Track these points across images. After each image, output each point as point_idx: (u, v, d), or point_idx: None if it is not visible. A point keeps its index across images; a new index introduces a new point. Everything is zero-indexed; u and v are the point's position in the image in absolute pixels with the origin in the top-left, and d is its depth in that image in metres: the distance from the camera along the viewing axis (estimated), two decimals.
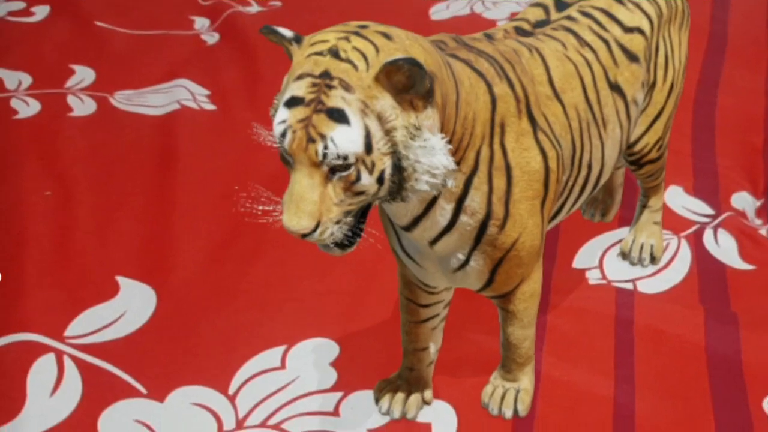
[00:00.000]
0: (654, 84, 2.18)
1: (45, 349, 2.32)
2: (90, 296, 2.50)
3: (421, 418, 2.15)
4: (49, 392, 2.21)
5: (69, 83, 3.49)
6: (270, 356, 2.30)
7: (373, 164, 1.53)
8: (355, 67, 1.50)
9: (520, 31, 2.00)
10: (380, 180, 1.56)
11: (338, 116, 1.49)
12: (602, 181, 2.11)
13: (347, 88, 1.50)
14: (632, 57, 2.07)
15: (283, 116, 1.52)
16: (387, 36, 1.55)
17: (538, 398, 2.19)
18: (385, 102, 1.51)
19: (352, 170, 1.52)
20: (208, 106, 3.35)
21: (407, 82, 1.51)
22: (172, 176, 2.98)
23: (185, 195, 2.90)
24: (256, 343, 2.34)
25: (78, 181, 2.95)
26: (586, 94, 1.96)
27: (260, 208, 1.85)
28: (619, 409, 2.16)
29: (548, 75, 1.89)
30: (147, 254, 2.66)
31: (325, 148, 1.49)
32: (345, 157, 1.50)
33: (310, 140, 1.50)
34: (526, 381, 2.16)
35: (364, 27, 1.56)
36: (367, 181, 1.55)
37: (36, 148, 3.12)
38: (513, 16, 3.88)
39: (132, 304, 2.47)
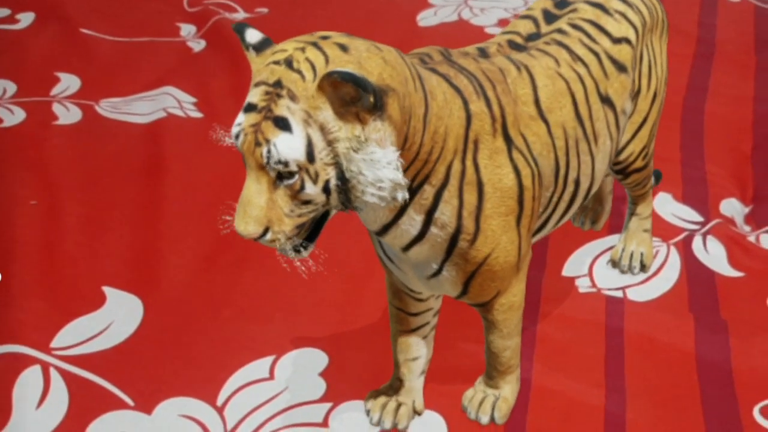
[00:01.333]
0: (638, 92, 2.18)
1: (31, 360, 2.30)
2: (76, 307, 2.47)
3: (412, 428, 2.14)
4: (36, 404, 2.19)
5: (54, 91, 3.47)
6: (258, 367, 2.29)
7: (317, 174, 1.57)
8: (303, 77, 1.54)
9: (513, 45, 1.99)
10: (326, 190, 1.59)
11: (282, 124, 1.54)
12: (592, 193, 2.10)
13: (293, 97, 1.54)
14: (621, 67, 2.07)
15: (239, 120, 1.58)
16: (343, 47, 1.58)
17: (529, 407, 2.18)
18: (328, 113, 1.55)
19: (296, 178, 1.57)
20: (194, 114, 3.34)
21: (355, 95, 1.53)
22: (159, 185, 2.96)
23: (172, 204, 2.88)
24: (245, 354, 2.32)
25: (64, 191, 2.93)
26: (577, 111, 1.96)
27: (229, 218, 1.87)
28: (611, 417, 2.15)
29: (535, 95, 1.89)
30: (134, 264, 2.64)
31: (268, 152, 1.54)
32: (286, 163, 1.54)
33: (257, 144, 1.55)
34: (507, 389, 2.15)
35: (325, 38, 1.60)
36: (312, 190, 1.58)
37: (21, 157, 3.09)
38: (500, 23, 3.89)
39: (119, 315, 2.45)
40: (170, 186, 2.96)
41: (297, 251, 1.66)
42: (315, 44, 1.57)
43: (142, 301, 2.50)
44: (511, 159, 1.81)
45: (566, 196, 2.01)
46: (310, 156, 1.55)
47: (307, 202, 1.60)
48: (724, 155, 3.07)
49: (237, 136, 1.58)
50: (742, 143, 3.15)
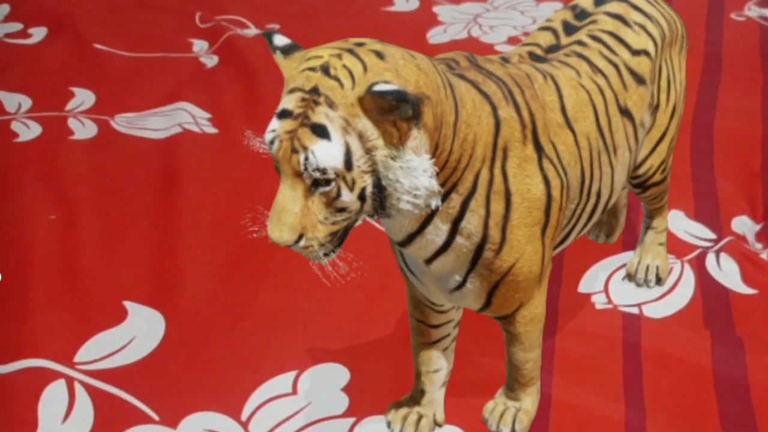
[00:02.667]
0: (657, 106, 2.20)
1: (55, 375, 2.32)
2: (98, 321, 2.49)
3: None
4: (61, 419, 2.21)
5: (69, 106, 3.49)
6: (281, 381, 2.31)
7: (354, 181, 1.57)
8: (341, 84, 1.54)
9: (533, 56, 2.02)
10: (361, 197, 1.59)
11: (320, 131, 1.53)
12: (610, 206, 2.13)
13: (331, 105, 1.53)
14: (640, 80, 2.09)
15: (273, 126, 1.57)
16: (379, 55, 1.57)
17: (550, 422, 2.20)
18: (367, 121, 1.55)
19: (333, 186, 1.56)
20: (210, 129, 3.36)
21: (393, 104, 1.54)
22: (176, 199, 2.98)
23: (190, 218, 2.90)
24: (267, 368, 2.35)
25: (82, 205, 2.95)
26: (598, 122, 1.98)
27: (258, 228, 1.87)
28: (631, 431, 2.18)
29: (561, 103, 1.90)
30: (153, 278, 2.66)
31: (306, 159, 1.53)
32: (323, 171, 1.54)
33: (294, 151, 1.54)
34: (528, 402, 2.17)
35: (360, 45, 1.59)
36: (348, 197, 1.58)
37: (38, 172, 3.12)
38: (510, 40, 3.93)
39: (141, 329, 2.47)
40: (187, 200, 2.98)
41: (326, 255, 1.65)
42: (351, 51, 1.57)
43: (163, 315, 2.52)
44: (542, 168, 1.82)
45: (588, 208, 2.03)
46: (348, 164, 1.55)
47: (341, 210, 1.60)
48: (734, 172, 3.10)
49: (272, 142, 1.57)
50: (751, 159, 3.18)
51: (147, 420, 2.21)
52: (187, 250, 2.78)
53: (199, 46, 3.94)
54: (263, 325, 2.49)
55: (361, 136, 1.54)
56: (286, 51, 1.64)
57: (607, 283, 2.62)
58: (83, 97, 3.55)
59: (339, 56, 1.56)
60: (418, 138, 1.58)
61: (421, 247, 1.80)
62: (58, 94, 3.57)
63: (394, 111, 1.54)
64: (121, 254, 2.76)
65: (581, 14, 2.14)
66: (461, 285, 1.88)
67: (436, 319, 2.09)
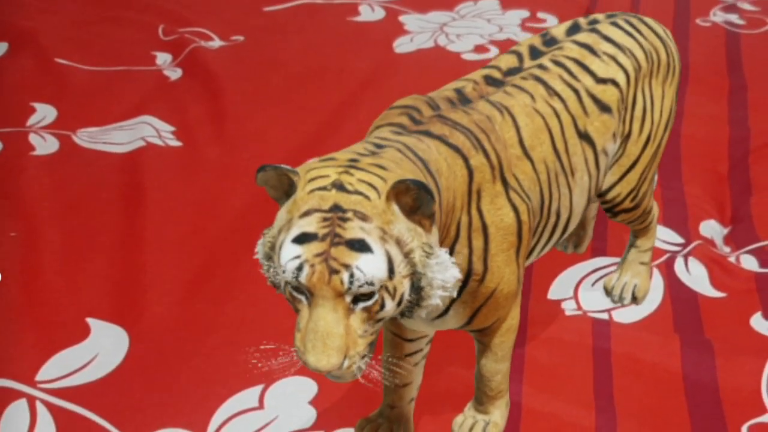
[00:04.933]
0: (629, 135, 2.18)
1: (16, 394, 2.27)
2: (60, 339, 2.45)
3: None
4: None
5: (30, 121, 3.44)
6: (247, 396, 2.27)
7: (395, 288, 1.54)
8: (366, 197, 1.51)
9: (489, 80, 2.01)
10: (400, 303, 1.57)
11: (360, 246, 1.49)
12: (571, 227, 2.11)
13: (363, 218, 1.50)
14: (604, 107, 2.08)
15: (295, 252, 1.50)
16: (383, 167, 1.57)
17: (520, 430, 2.18)
18: (401, 225, 1.53)
19: (377, 298, 1.52)
20: (173, 143, 3.33)
21: (413, 204, 1.53)
22: (140, 214, 2.94)
23: (154, 233, 2.86)
24: (233, 383, 2.31)
25: (44, 221, 2.90)
26: (554, 145, 1.98)
27: (278, 360, 1.80)
28: None
29: (518, 135, 1.91)
30: (117, 294, 2.62)
31: (351, 276, 1.48)
32: (372, 283, 1.50)
33: (333, 272, 1.49)
34: (497, 415, 2.15)
35: (356, 161, 1.58)
36: (390, 306, 1.55)
37: None
38: (476, 49, 3.92)
39: (104, 346, 2.43)
40: (151, 215, 2.94)
41: (360, 368, 1.58)
42: (355, 167, 1.55)
43: (126, 331, 2.48)
44: (509, 199, 1.84)
45: (549, 226, 2.03)
46: (391, 272, 1.52)
47: (380, 320, 1.57)
48: (701, 177, 3.10)
49: (299, 269, 1.50)
50: (718, 164, 3.19)
51: None
52: (151, 265, 2.74)
53: (163, 58, 3.90)
54: (229, 340, 2.45)
55: (399, 242, 1.52)
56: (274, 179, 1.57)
57: (577, 290, 2.61)
58: (44, 113, 3.49)
59: (347, 173, 1.54)
60: (436, 234, 1.60)
61: None
62: (19, 110, 3.51)
63: (417, 211, 1.54)
64: (83, 270, 2.71)
65: (550, 41, 2.13)
66: (444, 313, 1.88)
67: (412, 333, 2.07)
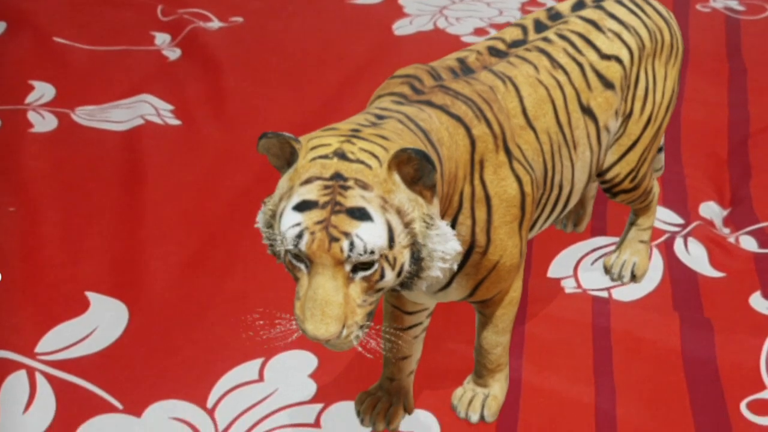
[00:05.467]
0: (630, 114, 2.18)
1: (16, 366, 2.27)
2: (60, 312, 2.44)
3: (404, 427, 2.13)
4: (22, 409, 2.15)
5: (29, 99, 3.43)
6: (247, 369, 2.27)
7: (395, 259, 1.53)
8: (368, 166, 1.50)
9: (493, 51, 2.00)
10: (399, 273, 1.56)
11: (360, 214, 1.49)
12: (572, 202, 2.11)
13: (364, 186, 1.50)
14: (607, 84, 2.07)
15: (295, 220, 1.50)
16: (385, 137, 1.56)
17: (521, 405, 2.18)
18: (402, 195, 1.52)
19: (376, 267, 1.52)
20: (172, 121, 3.32)
21: (415, 174, 1.52)
22: (139, 191, 2.94)
23: (153, 209, 2.86)
24: (233, 356, 2.31)
25: (43, 197, 2.90)
26: (557, 117, 1.98)
27: (278, 330, 1.79)
28: (601, 414, 2.16)
29: (522, 105, 1.91)
30: (117, 269, 2.61)
31: (351, 244, 1.48)
32: (372, 252, 1.49)
33: (333, 239, 1.48)
34: (496, 388, 2.16)
35: (357, 131, 1.57)
36: (390, 276, 1.55)
37: None
38: (476, 31, 3.92)
39: (103, 320, 2.42)
40: (151, 192, 2.94)
41: (357, 337, 1.58)
42: (356, 136, 1.55)
43: (126, 306, 2.47)
44: (513, 169, 1.83)
45: (551, 199, 2.02)
46: (391, 241, 1.51)
47: (380, 290, 1.56)
48: (701, 160, 3.11)
49: (299, 236, 1.49)
50: (718, 148, 3.19)
51: (111, 409, 2.16)
52: (150, 240, 2.73)
53: (162, 39, 3.89)
54: (230, 314, 2.45)
55: (399, 211, 1.52)
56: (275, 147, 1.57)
57: (577, 268, 2.61)
58: (43, 91, 3.48)
59: (349, 141, 1.53)
60: (437, 205, 1.59)
61: None
62: (18, 88, 3.50)
63: (417, 181, 1.53)
64: (83, 246, 2.70)
65: (555, 16, 2.13)
66: (447, 286, 1.88)
67: (412, 306, 2.07)
